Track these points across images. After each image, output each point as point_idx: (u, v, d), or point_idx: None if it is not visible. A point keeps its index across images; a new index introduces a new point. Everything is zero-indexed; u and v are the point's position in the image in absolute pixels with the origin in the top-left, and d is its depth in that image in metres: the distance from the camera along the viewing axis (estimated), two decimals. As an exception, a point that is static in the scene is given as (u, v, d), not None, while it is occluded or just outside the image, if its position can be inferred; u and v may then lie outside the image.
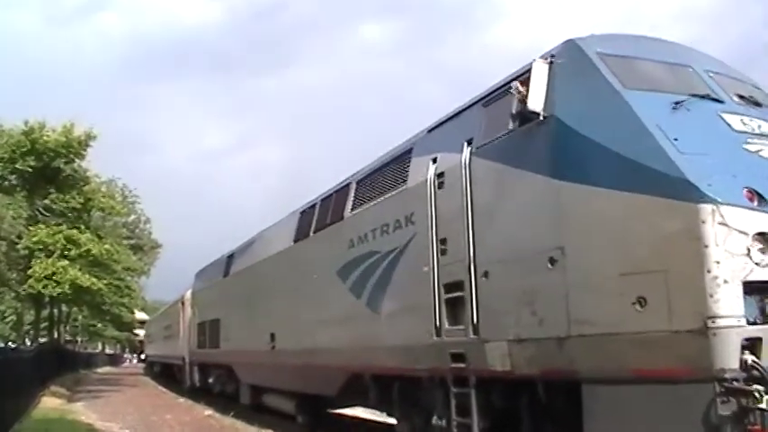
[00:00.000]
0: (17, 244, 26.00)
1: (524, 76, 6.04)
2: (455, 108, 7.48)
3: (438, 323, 7.07)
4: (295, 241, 11.93)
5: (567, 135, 5.45)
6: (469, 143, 6.76)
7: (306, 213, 11.79)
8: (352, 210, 9.59)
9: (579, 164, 5.38)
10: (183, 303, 22.96)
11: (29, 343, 32.59)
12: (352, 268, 9.21)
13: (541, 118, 5.64)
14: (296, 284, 11.59)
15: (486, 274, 6.32)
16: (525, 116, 5.89)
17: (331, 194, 10.72)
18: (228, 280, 16.96)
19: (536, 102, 5.57)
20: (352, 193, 9.73)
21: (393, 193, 8.33)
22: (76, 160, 26.27)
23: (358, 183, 9.66)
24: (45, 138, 24.60)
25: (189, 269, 22.93)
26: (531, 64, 5.91)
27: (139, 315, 48.03)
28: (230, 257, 17.36)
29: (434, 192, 7.30)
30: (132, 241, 39.47)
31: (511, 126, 6.13)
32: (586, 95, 5.49)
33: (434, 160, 7.40)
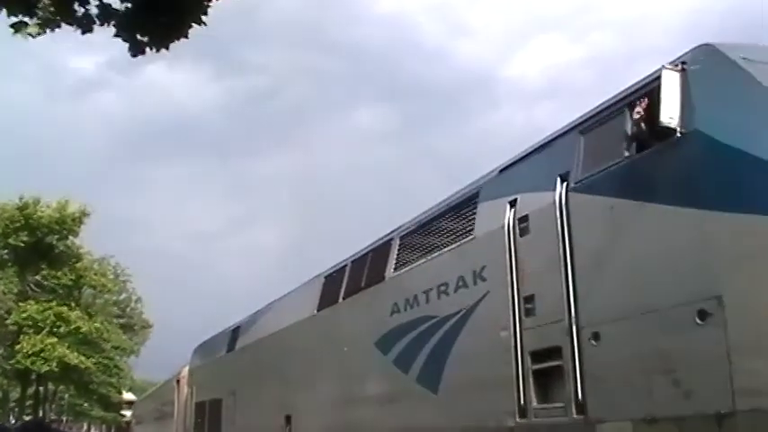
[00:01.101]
0: (6, 319, 25.58)
1: (639, 93, 5.04)
2: (537, 141, 6.43)
3: (523, 401, 5.69)
4: (319, 309, 10.55)
5: (717, 152, 4.35)
6: (564, 179, 5.64)
7: (332, 277, 10.48)
8: (395, 269, 8.34)
9: (736, 187, 4.26)
10: (178, 382, 21.05)
11: (13, 421, 31.63)
12: (396, 338, 7.88)
13: (678, 135, 4.55)
14: (320, 359, 10.14)
15: (595, 337, 5.03)
16: (647, 137, 4.83)
17: (366, 253, 9.47)
18: (234, 355, 15.32)
19: (670, 116, 4.51)
20: (395, 251, 8.51)
21: (453, 246, 7.14)
22: (70, 237, 26.37)
23: (403, 238, 8.46)
24: (39, 213, 24.92)
25: (180, 349, 21.44)
26: (652, 75, 4.92)
27: (127, 395, 45.69)
28: (236, 330, 15.79)
29: (515, 239, 6.12)
30: (123, 320, 38.46)
31: (626, 152, 5.04)
32: (738, 105, 4.44)
33: (512, 203, 6.26)
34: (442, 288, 7.17)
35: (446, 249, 7.30)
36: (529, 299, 5.82)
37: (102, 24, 5.28)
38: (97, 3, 5.25)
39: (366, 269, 9.24)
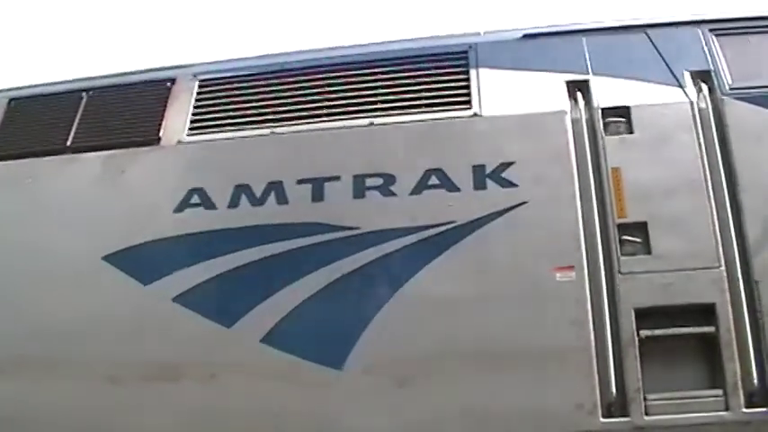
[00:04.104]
0: None
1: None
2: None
3: (615, 386, 3.45)
4: None
5: None
6: (704, 77, 3.98)
7: None
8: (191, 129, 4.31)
9: None
10: None
11: None
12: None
13: None
14: None
15: None
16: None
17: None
18: None
19: None
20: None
21: (403, 118, 4.15)
22: None
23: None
24: None
25: None
26: None
27: None
28: None
29: (594, 135, 3.92)
30: None
31: None
32: None
33: (578, 85, 4.06)
34: (375, 183, 3.99)
35: (385, 117, 4.17)
36: (635, 228, 3.70)
37: None
38: None
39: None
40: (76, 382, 3.95)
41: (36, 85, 5.06)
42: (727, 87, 3.93)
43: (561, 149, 3.90)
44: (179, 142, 4.38)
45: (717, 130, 3.82)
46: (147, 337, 3.94)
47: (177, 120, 4.48)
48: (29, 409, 3.95)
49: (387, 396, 3.61)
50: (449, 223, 3.84)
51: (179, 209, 4.16)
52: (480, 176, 3.91)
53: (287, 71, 4.54)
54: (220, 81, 4.60)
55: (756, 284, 3.50)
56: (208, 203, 4.14)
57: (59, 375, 3.98)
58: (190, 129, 4.42)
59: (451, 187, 3.92)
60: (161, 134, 4.44)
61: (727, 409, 3.35)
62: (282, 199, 4.06)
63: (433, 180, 3.95)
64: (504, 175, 3.89)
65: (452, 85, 4.24)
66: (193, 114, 4.48)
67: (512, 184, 3.86)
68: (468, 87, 4.20)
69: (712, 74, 3.99)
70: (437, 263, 3.78)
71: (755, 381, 3.38)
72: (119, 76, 4.89)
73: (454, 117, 4.11)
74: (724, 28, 4.21)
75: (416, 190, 3.95)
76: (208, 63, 4.80)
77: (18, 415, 3.95)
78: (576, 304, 3.58)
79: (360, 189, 4.00)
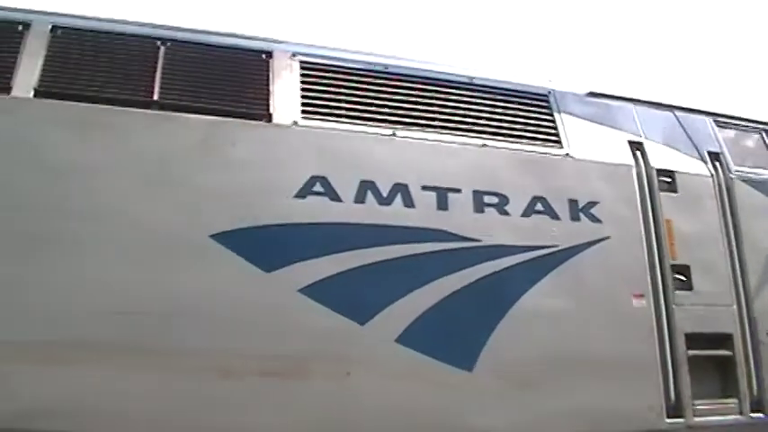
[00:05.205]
0: None
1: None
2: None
3: (673, 395, 4.37)
4: None
5: None
6: (715, 157, 5.18)
7: None
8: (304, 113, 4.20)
9: None
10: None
11: None
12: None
13: None
14: None
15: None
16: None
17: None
18: None
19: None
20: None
21: (516, 145, 4.61)
22: None
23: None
24: None
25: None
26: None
27: None
28: None
29: (651, 191, 4.83)
30: None
31: None
32: None
33: (637, 146, 4.96)
34: (492, 201, 4.37)
35: (494, 141, 4.57)
36: (681, 269, 4.68)
37: None
38: None
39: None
40: (178, 374, 3.53)
41: (77, 16, 4.24)
42: (732, 169, 5.17)
43: (631, 197, 4.73)
44: (295, 123, 4.15)
45: (729, 201, 5.01)
46: (268, 328, 3.69)
47: (286, 99, 4.23)
48: (117, 400, 3.40)
49: (510, 397, 3.99)
50: (553, 247, 4.39)
51: (300, 194, 3.98)
52: (575, 210, 4.53)
53: (394, 75, 4.60)
54: (324, 67, 4.46)
55: (755, 320, 4.72)
56: (332, 194, 4.04)
57: (155, 364, 3.51)
58: (302, 111, 4.22)
59: (553, 215, 4.46)
60: (271, 111, 4.15)
61: (740, 413, 4.47)
62: (409, 202, 4.16)
63: (539, 206, 4.45)
64: (592, 211, 4.57)
65: (543, 123, 4.79)
66: (302, 97, 4.28)
67: (598, 220, 4.56)
68: (556, 128, 4.79)
69: (721, 156, 5.21)
70: (545, 281, 4.29)
71: (756, 392, 4.57)
72: (194, 32, 4.38)
73: (550, 153, 4.66)
74: (722, 121, 5.49)
75: (526, 213, 4.41)
76: (303, 44, 4.57)
77: (103, 406, 3.38)
78: (646, 326, 4.41)
79: (479, 204, 4.32)
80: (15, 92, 3.81)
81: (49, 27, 4.10)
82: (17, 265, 3.45)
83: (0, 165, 3.62)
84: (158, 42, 4.21)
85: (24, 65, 3.91)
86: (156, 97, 3.99)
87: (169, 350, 3.55)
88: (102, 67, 4.01)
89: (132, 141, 3.82)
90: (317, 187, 4.02)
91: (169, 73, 4.10)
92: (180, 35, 4.30)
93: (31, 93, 3.83)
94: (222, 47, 4.34)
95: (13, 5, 4.28)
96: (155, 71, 4.08)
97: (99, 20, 4.22)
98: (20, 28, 4.05)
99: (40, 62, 3.94)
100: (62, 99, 3.84)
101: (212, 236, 3.75)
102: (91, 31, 4.14)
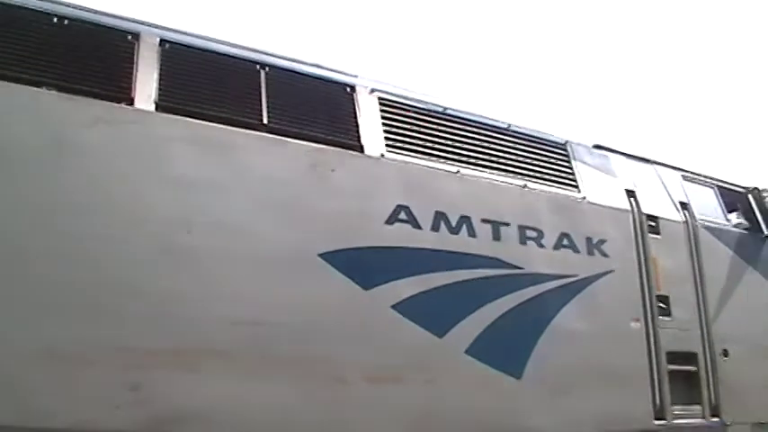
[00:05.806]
0: None
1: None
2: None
3: (658, 401, 5.39)
4: None
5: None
6: (683, 206, 6.31)
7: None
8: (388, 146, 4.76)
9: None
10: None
11: None
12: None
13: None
14: None
15: (725, 353, 5.95)
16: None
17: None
18: None
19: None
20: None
21: (542, 188, 5.42)
22: None
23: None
24: None
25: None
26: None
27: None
28: None
29: (643, 232, 5.84)
30: None
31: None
32: None
33: (630, 194, 5.95)
34: (532, 235, 5.15)
35: (532, 182, 5.34)
36: (663, 299, 5.71)
37: None
38: None
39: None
40: (295, 380, 3.92)
41: (179, 31, 4.45)
42: (696, 217, 6.32)
43: (629, 237, 5.69)
44: (382, 156, 4.66)
45: (695, 245, 6.15)
46: (371, 340, 4.19)
47: (372, 132, 4.72)
48: (236, 407, 3.74)
49: (550, 401, 4.77)
50: (574, 276, 5.23)
51: (389, 221, 4.50)
52: (590, 245, 5.41)
53: (453, 117, 5.22)
54: (399, 105, 4.98)
55: (712, 342, 5.87)
56: (414, 222, 4.60)
57: (272, 372, 3.88)
58: (386, 146, 4.73)
59: (575, 249, 5.32)
60: (362, 143, 4.62)
61: (703, 417, 5.58)
62: (472, 232, 4.82)
63: (565, 241, 5.29)
64: (602, 247, 5.47)
65: (564, 169, 5.63)
66: (385, 132, 4.78)
67: (606, 255, 5.48)
68: (573, 174, 5.65)
69: (688, 206, 6.35)
70: (569, 305, 5.13)
71: (713, 400, 5.71)
72: (286, 60, 4.73)
73: (571, 196, 5.51)
74: (687, 176, 6.65)
75: (556, 246, 5.22)
76: (378, 80, 5.05)
77: (223, 417, 3.69)
78: (641, 344, 5.39)
79: (523, 237, 5.07)
80: (138, 104, 3.99)
81: (158, 40, 4.28)
82: (150, 276, 3.67)
83: (130, 175, 3.81)
84: (258, 66, 4.53)
85: (141, 77, 4.09)
86: (265, 120, 4.32)
87: (294, 358, 3.93)
88: (210, 86, 4.27)
89: (248, 162, 4.14)
90: (402, 215, 4.56)
91: (273, 97, 4.44)
92: (276, 61, 4.64)
93: (153, 106, 4.03)
94: (311, 76, 4.74)
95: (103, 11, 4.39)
96: (260, 95, 4.40)
97: (195, 36, 4.44)
98: (129, 38, 4.21)
99: (155, 75, 4.14)
100: (180, 114, 4.07)
101: (320, 254, 4.17)
102: (193, 47, 4.37)
